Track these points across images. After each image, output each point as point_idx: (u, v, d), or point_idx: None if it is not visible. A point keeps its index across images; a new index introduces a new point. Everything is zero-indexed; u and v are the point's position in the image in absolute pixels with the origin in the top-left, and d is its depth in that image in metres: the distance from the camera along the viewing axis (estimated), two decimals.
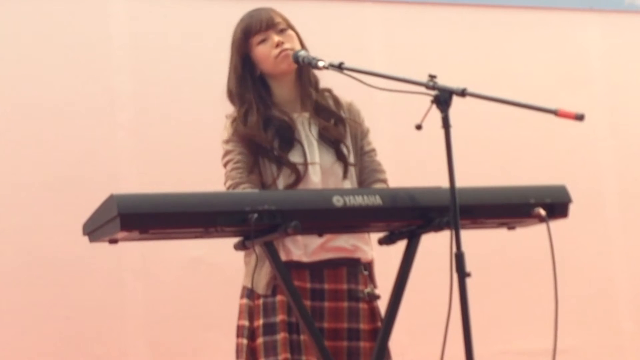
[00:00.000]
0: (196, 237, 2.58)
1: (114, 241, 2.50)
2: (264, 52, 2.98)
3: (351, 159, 3.00)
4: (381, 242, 2.76)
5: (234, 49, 3.04)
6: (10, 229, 4.35)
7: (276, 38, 2.98)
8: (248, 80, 3.01)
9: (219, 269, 4.40)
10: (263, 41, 2.99)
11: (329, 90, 3.09)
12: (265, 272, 2.87)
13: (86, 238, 2.61)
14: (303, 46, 3.03)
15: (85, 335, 4.37)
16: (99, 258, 4.30)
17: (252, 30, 3.00)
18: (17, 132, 4.42)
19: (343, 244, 2.92)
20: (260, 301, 2.88)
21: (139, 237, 2.46)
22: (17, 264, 4.33)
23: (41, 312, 4.34)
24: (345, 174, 2.97)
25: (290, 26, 3.04)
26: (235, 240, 2.72)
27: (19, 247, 4.34)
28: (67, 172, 4.44)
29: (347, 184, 2.97)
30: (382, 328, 2.70)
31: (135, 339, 4.45)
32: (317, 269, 2.90)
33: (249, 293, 2.92)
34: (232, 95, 3.05)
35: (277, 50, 2.96)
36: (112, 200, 2.36)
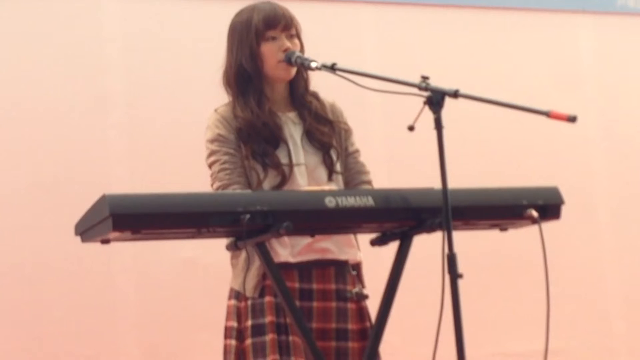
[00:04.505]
0: (188, 237, 2.58)
1: (106, 241, 2.50)
2: (270, 51, 2.93)
3: (338, 166, 2.98)
4: (373, 243, 2.76)
5: (243, 36, 2.95)
6: (1, 229, 4.34)
7: (286, 43, 2.93)
8: (252, 76, 2.95)
9: (210, 270, 4.40)
10: (272, 39, 2.93)
11: (315, 94, 3.06)
12: (253, 274, 2.85)
13: (78, 238, 2.60)
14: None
15: (76, 336, 4.36)
16: (90, 258, 4.30)
17: (272, 23, 2.92)
18: (8, 132, 4.41)
19: (329, 246, 2.91)
20: (249, 302, 2.87)
21: (131, 237, 2.46)
22: (9, 264, 4.32)
23: (33, 312, 4.33)
24: (329, 177, 2.96)
25: (299, 36, 2.99)
26: (227, 240, 2.72)
27: (10, 247, 4.33)
28: (58, 172, 4.43)
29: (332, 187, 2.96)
30: (374, 329, 2.70)
31: (126, 340, 4.44)
32: (305, 269, 2.89)
33: (237, 295, 2.91)
34: (229, 84, 2.99)
35: (282, 55, 2.92)
36: (104, 200, 2.36)
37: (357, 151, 3.08)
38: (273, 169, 2.88)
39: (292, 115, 3.00)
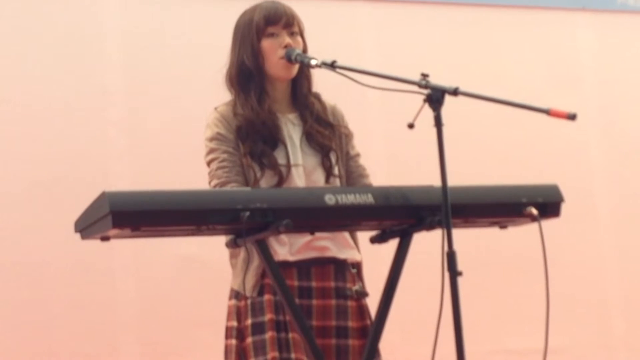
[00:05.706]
0: (188, 234, 2.58)
1: (105, 238, 2.50)
2: (271, 47, 2.93)
3: (336, 169, 2.98)
4: (373, 240, 2.75)
5: (245, 34, 2.95)
6: (1, 227, 4.33)
7: (287, 39, 2.93)
8: (253, 74, 2.95)
9: (210, 267, 4.40)
10: (273, 35, 2.93)
11: (317, 95, 3.06)
12: (252, 274, 2.86)
13: (78, 235, 2.60)
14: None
15: (76, 333, 4.36)
16: (90, 256, 4.29)
17: (273, 20, 2.93)
18: (8, 130, 4.41)
19: (328, 244, 2.91)
20: (248, 302, 2.87)
21: (131, 234, 2.46)
22: (8, 262, 4.32)
23: (32, 309, 4.33)
24: (327, 179, 2.95)
25: (302, 34, 2.99)
26: (226, 238, 2.72)
27: (10, 244, 4.33)
28: (59, 169, 4.43)
29: None
30: (373, 327, 2.70)
31: (126, 337, 4.44)
32: (304, 266, 2.89)
33: (237, 294, 2.91)
34: (231, 82, 2.99)
35: (283, 52, 2.92)
36: (103, 197, 2.36)
37: (358, 155, 3.08)
38: (270, 169, 2.88)
39: (292, 116, 3.00)
